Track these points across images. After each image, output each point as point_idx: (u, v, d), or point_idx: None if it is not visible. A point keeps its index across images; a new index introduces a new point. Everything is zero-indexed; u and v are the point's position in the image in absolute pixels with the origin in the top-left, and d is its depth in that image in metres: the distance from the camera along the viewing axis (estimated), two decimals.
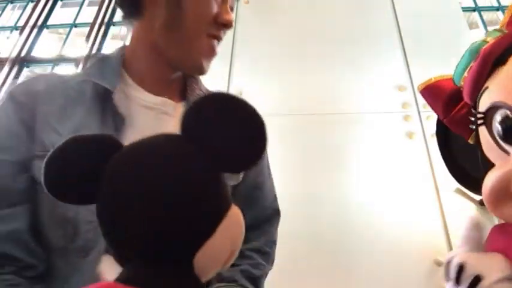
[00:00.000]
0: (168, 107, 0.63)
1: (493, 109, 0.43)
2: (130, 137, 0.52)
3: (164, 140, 0.44)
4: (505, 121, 0.39)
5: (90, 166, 0.43)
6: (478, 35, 2.58)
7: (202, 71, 0.64)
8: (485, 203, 0.39)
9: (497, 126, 0.40)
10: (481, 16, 2.67)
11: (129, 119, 0.58)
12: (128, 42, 0.67)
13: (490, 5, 2.93)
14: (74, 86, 0.58)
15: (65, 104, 0.56)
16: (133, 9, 0.61)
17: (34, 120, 0.54)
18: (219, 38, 0.64)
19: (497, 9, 2.78)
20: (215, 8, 0.60)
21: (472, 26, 2.77)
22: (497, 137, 0.43)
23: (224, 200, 0.44)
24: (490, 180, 0.38)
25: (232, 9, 0.65)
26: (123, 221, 0.40)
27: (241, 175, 0.68)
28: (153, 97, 0.62)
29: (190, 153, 0.43)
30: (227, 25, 0.62)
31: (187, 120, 0.43)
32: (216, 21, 0.61)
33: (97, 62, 0.62)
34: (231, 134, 0.42)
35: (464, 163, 0.62)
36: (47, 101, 0.56)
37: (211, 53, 0.63)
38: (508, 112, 0.40)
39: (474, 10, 2.73)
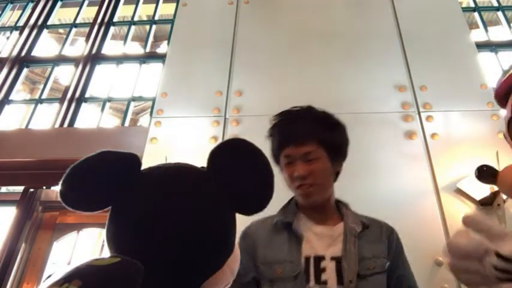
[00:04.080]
0: (328, 231, 0.94)
1: None
2: (305, 247, 0.90)
3: (192, 177, 0.50)
4: None
5: (109, 180, 0.46)
6: (478, 35, 2.58)
7: (310, 205, 0.96)
8: None
9: None
10: (481, 16, 2.67)
11: (305, 238, 0.92)
12: None
13: (490, 5, 2.93)
14: (270, 224, 0.97)
15: (268, 234, 0.96)
16: None
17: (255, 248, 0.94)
18: (302, 187, 0.92)
19: (497, 9, 2.77)
20: (289, 171, 0.92)
21: (472, 26, 2.77)
22: None
23: (234, 238, 0.51)
24: None
25: (309, 161, 0.93)
26: (143, 243, 0.43)
27: None
28: (318, 226, 0.95)
29: (215, 193, 0.49)
30: (298, 177, 0.91)
31: (213, 160, 0.50)
32: (293, 177, 0.92)
33: (282, 209, 1.00)
34: (248, 179, 0.50)
35: None
36: (259, 236, 0.96)
37: (304, 197, 0.94)
38: None
39: (474, 10, 2.73)
